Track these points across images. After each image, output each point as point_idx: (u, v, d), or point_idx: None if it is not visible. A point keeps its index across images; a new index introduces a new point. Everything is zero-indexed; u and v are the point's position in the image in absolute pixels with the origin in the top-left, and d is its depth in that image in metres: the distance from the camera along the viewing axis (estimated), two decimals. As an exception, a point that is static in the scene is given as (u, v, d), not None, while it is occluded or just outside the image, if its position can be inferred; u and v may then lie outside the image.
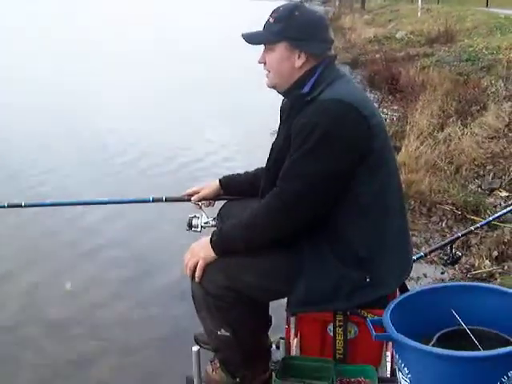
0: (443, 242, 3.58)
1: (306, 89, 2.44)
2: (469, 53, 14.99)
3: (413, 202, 5.85)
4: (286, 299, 2.53)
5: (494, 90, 9.62)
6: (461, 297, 2.29)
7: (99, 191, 6.63)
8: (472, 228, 3.62)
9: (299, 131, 2.34)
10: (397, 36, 23.65)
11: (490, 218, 3.84)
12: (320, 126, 2.28)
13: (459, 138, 7.11)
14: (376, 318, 2.30)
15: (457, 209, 5.76)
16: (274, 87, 2.58)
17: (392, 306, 2.22)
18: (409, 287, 2.76)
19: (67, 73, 15.85)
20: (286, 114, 2.59)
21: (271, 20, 2.49)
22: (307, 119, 2.33)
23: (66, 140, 9.55)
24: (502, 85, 9.37)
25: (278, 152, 2.55)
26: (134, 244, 5.62)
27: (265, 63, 2.54)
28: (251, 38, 2.54)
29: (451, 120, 8.04)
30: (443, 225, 5.64)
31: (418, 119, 7.97)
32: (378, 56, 16.85)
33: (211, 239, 2.49)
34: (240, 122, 11.51)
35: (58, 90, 13.55)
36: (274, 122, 2.83)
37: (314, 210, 2.37)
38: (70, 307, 4.52)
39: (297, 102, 2.47)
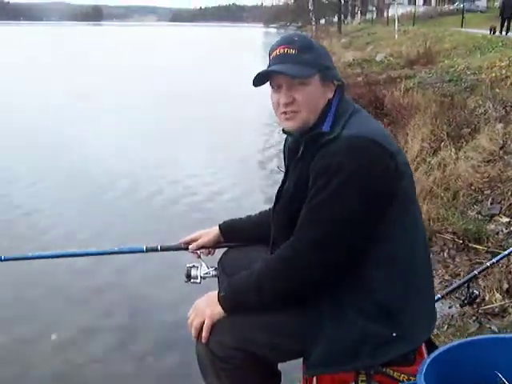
0: (460, 282, 3.36)
1: (327, 127, 2.19)
2: (451, 73, 14.97)
3: (412, 232, 5.62)
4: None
5: (482, 110, 9.50)
6: (503, 351, 2.06)
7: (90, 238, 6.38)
8: (488, 264, 3.41)
9: (321, 173, 2.08)
10: (376, 59, 23.80)
11: (506, 252, 3.61)
12: (346, 166, 2.04)
13: (454, 163, 6.93)
14: (410, 382, 2.08)
15: (458, 237, 5.55)
16: (300, 128, 2.28)
17: (425, 366, 1.98)
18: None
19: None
20: (300, 154, 2.31)
21: (293, 51, 2.21)
22: (330, 160, 2.07)
23: (54, 181, 9.21)
24: (491, 105, 9.23)
25: (292, 197, 2.29)
26: (127, 294, 5.28)
27: (292, 102, 2.24)
28: (291, 71, 2.18)
29: (443, 144, 7.86)
30: (445, 255, 5.42)
31: (410, 144, 7.80)
32: (359, 79, 16.75)
33: (219, 294, 2.24)
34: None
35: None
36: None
37: (336, 261, 2.11)
38: (59, 361, 4.21)
39: (315, 141, 2.19)
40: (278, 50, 2.25)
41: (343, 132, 2.14)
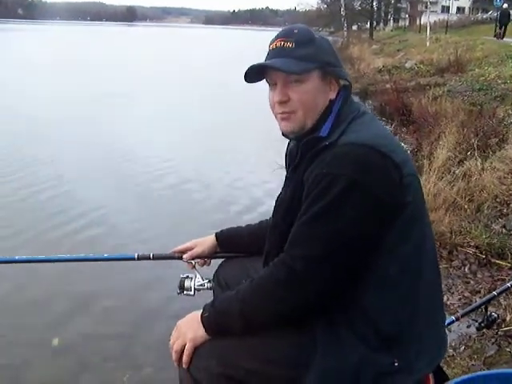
0: (477, 303, 3.11)
1: (325, 131, 1.98)
2: (481, 82, 14.74)
3: (432, 245, 5.36)
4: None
5: (511, 120, 9.24)
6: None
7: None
8: (508, 285, 3.15)
9: (315, 184, 1.88)
10: (406, 65, 23.50)
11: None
12: (342, 177, 1.82)
13: (479, 174, 6.64)
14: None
15: (480, 252, 5.28)
16: (297, 131, 2.08)
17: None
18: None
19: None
20: (296, 161, 2.11)
21: (289, 44, 2.00)
22: (326, 170, 1.86)
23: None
24: (521, 115, 8.96)
25: (287, 208, 2.08)
26: (122, 304, 5.04)
27: (286, 101, 2.04)
28: (284, 66, 1.98)
29: (469, 153, 7.58)
30: (466, 270, 5.15)
31: (435, 153, 7.52)
32: (388, 86, 16.52)
33: (202, 315, 2.03)
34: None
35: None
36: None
37: (331, 282, 1.89)
38: (55, 369, 4.02)
39: (310, 147, 1.99)
40: (275, 44, 2.05)
41: (341, 138, 1.93)
